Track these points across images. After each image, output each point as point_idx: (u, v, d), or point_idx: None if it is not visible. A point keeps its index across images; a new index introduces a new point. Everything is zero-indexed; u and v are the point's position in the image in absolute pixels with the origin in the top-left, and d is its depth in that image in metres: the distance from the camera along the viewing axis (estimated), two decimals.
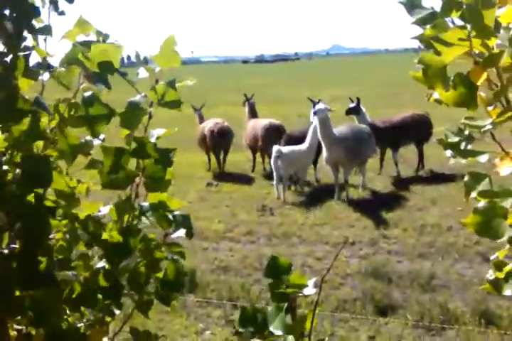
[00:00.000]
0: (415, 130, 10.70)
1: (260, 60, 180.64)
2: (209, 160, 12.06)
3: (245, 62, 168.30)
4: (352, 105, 10.74)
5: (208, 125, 11.79)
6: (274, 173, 9.44)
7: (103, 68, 1.48)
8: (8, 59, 1.43)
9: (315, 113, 9.05)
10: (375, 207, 8.66)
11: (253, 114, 12.25)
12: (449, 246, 6.83)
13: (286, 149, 9.54)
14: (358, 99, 10.77)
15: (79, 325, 1.56)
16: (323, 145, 9.20)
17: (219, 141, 11.53)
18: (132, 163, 1.51)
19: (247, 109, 12.40)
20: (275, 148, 9.51)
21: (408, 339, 4.69)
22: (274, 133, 10.90)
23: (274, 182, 9.51)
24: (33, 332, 1.55)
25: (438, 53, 1.11)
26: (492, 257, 1.30)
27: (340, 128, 9.48)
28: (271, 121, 11.37)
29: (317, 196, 9.59)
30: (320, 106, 9.17)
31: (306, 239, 7.36)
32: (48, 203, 1.52)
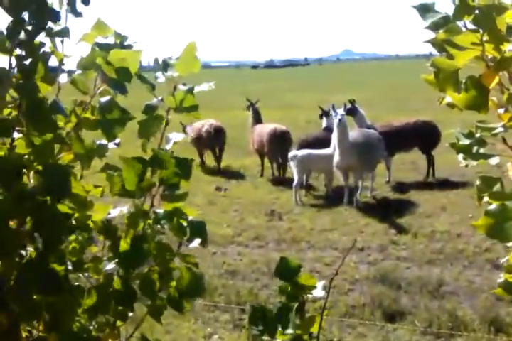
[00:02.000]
0: (416, 137, 10.59)
1: (270, 65, 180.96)
2: (201, 157, 12.86)
3: (255, 67, 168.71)
4: (348, 106, 10.69)
5: (205, 127, 12.42)
6: (296, 177, 9.53)
7: (121, 75, 1.49)
8: (27, 62, 1.44)
9: (340, 120, 8.99)
10: (385, 212, 8.63)
11: (257, 118, 12.32)
12: (459, 252, 6.80)
13: (308, 153, 9.62)
14: (353, 101, 10.85)
15: (90, 327, 1.56)
16: (337, 151, 9.19)
17: (215, 139, 12.34)
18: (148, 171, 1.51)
19: (251, 113, 12.49)
20: (298, 152, 9.70)
21: None
22: (280, 139, 10.95)
23: (294, 186, 9.54)
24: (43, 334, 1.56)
25: (450, 57, 1.12)
26: (502, 260, 1.31)
27: (351, 134, 9.47)
28: (277, 127, 11.41)
29: (326, 201, 9.58)
30: (341, 112, 9.17)
31: (314, 245, 7.35)
32: (64, 209, 1.52)
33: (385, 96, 26.05)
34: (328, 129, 10.27)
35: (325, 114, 10.86)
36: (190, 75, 1.58)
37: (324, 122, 10.91)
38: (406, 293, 5.72)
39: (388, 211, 8.71)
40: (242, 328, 4.98)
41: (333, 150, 9.40)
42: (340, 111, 9.19)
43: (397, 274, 6.13)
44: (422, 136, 10.62)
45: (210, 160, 12.97)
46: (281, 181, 10.93)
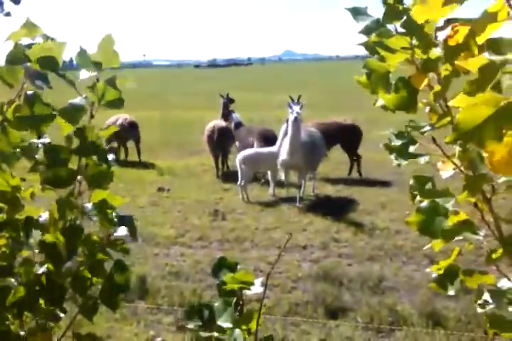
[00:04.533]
0: (334, 137, 10.95)
1: (212, 64, 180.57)
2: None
3: (197, 66, 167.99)
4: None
5: (119, 121, 12.96)
6: (242, 176, 9.60)
7: (44, 64, 1.44)
8: None
9: (295, 118, 8.92)
10: (327, 211, 8.77)
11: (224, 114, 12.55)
12: (398, 248, 6.98)
13: (255, 152, 9.67)
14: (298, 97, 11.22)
15: (21, 333, 1.51)
16: (284, 148, 9.21)
17: (130, 133, 12.99)
18: (74, 163, 1.49)
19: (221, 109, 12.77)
20: (245, 152, 9.84)
21: None
22: (219, 135, 11.07)
23: (239, 185, 9.59)
24: None
25: (382, 59, 1.14)
26: (425, 247, 1.34)
27: None
28: (216, 123, 11.55)
29: (270, 200, 9.64)
30: (297, 109, 9.01)
31: (258, 244, 7.37)
32: None
33: (323, 96, 26.49)
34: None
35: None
36: (130, 75, 1.54)
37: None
38: (348, 289, 5.82)
39: (330, 209, 8.85)
40: (186, 330, 4.93)
41: (279, 147, 9.46)
42: (297, 108, 9.04)
43: (338, 271, 6.24)
44: (339, 137, 11.11)
45: (147, 161, 12.87)
46: (228, 177, 11.04)
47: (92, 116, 1.49)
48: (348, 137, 11.20)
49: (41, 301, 1.52)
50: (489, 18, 0.98)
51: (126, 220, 1.54)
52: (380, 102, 1.21)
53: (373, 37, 1.15)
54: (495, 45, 0.98)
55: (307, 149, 9.16)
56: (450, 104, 1.02)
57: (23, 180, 1.62)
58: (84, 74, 1.47)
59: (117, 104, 1.52)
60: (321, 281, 5.98)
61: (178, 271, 6.45)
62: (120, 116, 13.33)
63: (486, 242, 1.17)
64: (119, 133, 12.34)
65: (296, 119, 8.96)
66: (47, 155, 1.46)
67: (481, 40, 1.01)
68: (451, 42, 1.05)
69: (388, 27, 1.16)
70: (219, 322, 1.15)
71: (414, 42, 1.12)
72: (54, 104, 1.55)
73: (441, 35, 1.09)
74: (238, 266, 1.27)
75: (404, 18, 1.10)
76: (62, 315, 1.54)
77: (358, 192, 9.96)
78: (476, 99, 0.93)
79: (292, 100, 9.35)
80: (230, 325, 1.14)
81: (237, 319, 1.19)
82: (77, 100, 1.48)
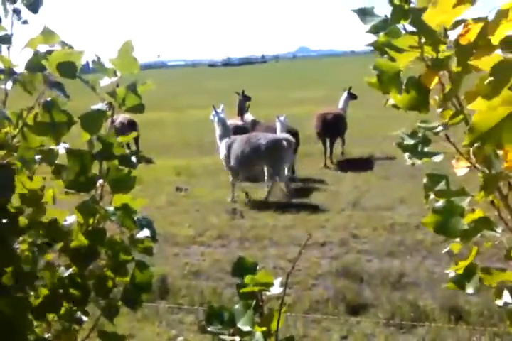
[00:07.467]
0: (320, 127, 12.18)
1: (227, 63, 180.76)
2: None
3: (212, 65, 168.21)
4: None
5: (118, 119, 12.61)
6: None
7: (63, 70, 1.46)
8: None
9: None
10: (344, 207, 8.74)
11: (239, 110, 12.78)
12: (418, 243, 6.93)
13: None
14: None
15: (46, 336, 1.53)
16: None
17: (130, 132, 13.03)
18: (95, 167, 1.51)
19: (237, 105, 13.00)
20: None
21: (380, 338, 4.74)
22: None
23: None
24: None
25: (392, 59, 1.13)
26: (444, 250, 1.34)
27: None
28: (230, 123, 11.63)
29: (287, 198, 9.62)
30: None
31: (277, 242, 7.38)
32: (12, 209, 1.49)
33: (337, 93, 26.36)
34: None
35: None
36: (145, 76, 1.56)
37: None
38: (368, 285, 5.80)
39: (347, 205, 8.82)
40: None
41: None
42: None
43: (358, 267, 6.22)
44: (323, 127, 12.23)
45: (162, 161, 12.90)
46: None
47: (112, 122, 1.51)
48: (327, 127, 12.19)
49: (65, 304, 1.55)
50: (503, 16, 0.96)
51: (145, 223, 1.56)
52: (391, 102, 1.20)
53: (381, 37, 1.14)
54: (510, 43, 0.96)
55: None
56: (469, 107, 1.01)
57: (43, 185, 1.64)
58: (106, 81, 1.49)
59: (138, 109, 1.53)
60: (341, 278, 5.97)
61: (198, 270, 6.48)
62: (120, 116, 13.10)
63: (505, 239, 1.16)
64: (119, 132, 12.43)
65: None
66: (69, 160, 1.48)
67: (495, 38, 0.99)
68: (463, 41, 1.04)
69: (396, 26, 1.15)
70: (238, 325, 1.15)
71: (423, 40, 1.11)
72: (69, 108, 1.57)
73: (453, 35, 1.08)
74: (257, 266, 1.28)
75: (412, 16, 1.09)
76: (85, 318, 1.56)
77: (374, 187, 9.90)
78: (493, 103, 0.91)
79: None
80: (249, 328, 1.14)
81: (257, 322, 1.19)
82: (99, 106, 1.50)
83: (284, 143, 9.41)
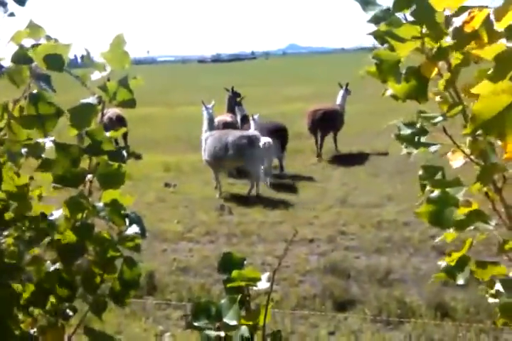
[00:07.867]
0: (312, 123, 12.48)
1: (217, 59, 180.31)
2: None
3: (202, 61, 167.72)
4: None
5: (107, 115, 12.64)
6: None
7: (50, 63, 1.44)
8: None
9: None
10: (332, 204, 8.76)
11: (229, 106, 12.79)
12: (405, 241, 6.97)
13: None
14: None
15: (32, 331, 1.52)
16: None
17: (119, 127, 13.25)
18: (83, 162, 1.49)
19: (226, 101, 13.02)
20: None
21: (367, 334, 4.76)
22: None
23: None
24: None
25: (392, 48, 1.13)
26: (437, 240, 1.34)
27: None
28: (220, 119, 11.72)
29: (275, 195, 9.63)
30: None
31: (265, 238, 7.38)
32: None
33: (327, 89, 26.39)
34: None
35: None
36: (135, 72, 1.54)
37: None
38: (355, 282, 5.83)
39: (336, 202, 8.84)
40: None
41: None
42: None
43: (346, 264, 6.24)
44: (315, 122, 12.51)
45: (151, 157, 12.91)
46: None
47: (102, 115, 1.49)
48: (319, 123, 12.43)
49: (52, 299, 1.53)
50: (510, 4, 0.95)
51: (134, 219, 1.54)
52: (390, 92, 1.20)
53: (382, 26, 1.14)
54: None
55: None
56: (472, 91, 0.99)
57: (31, 178, 1.62)
58: (97, 76, 1.47)
59: (130, 104, 1.51)
60: (329, 274, 5.99)
61: (186, 266, 6.47)
62: (108, 111, 13.21)
63: (497, 232, 1.16)
64: (107, 127, 12.40)
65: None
66: (58, 154, 1.45)
67: (501, 26, 0.98)
68: (468, 29, 1.03)
69: (397, 16, 1.15)
70: (225, 320, 1.15)
71: (425, 30, 1.10)
72: (59, 102, 1.55)
73: (457, 22, 1.07)
74: (245, 261, 1.27)
75: (415, 6, 1.09)
76: (71, 313, 1.55)
77: (362, 184, 9.93)
78: (498, 86, 0.90)
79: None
80: (235, 323, 1.14)
81: (243, 316, 1.18)
82: (89, 100, 1.48)
83: (252, 140, 9.42)
